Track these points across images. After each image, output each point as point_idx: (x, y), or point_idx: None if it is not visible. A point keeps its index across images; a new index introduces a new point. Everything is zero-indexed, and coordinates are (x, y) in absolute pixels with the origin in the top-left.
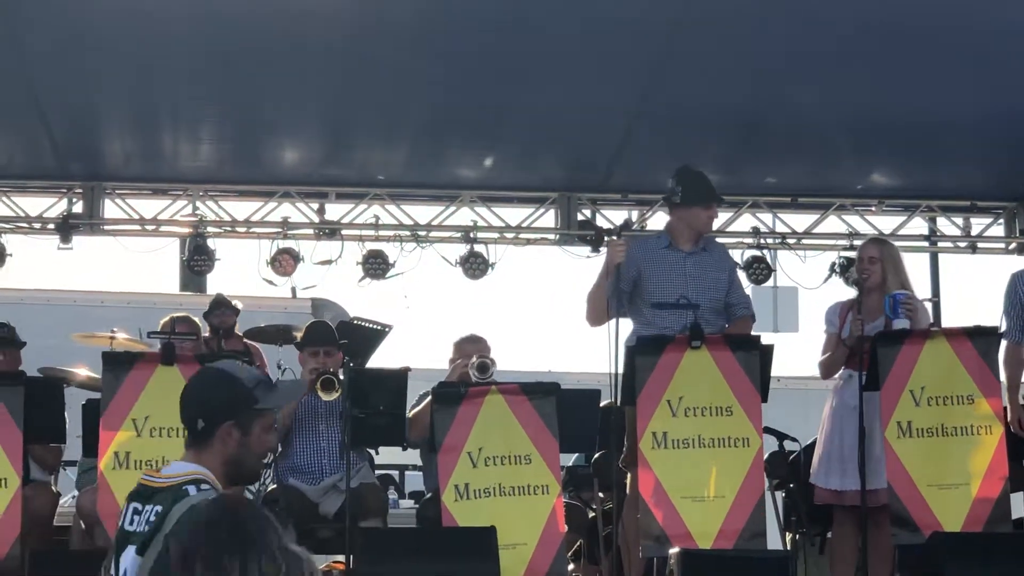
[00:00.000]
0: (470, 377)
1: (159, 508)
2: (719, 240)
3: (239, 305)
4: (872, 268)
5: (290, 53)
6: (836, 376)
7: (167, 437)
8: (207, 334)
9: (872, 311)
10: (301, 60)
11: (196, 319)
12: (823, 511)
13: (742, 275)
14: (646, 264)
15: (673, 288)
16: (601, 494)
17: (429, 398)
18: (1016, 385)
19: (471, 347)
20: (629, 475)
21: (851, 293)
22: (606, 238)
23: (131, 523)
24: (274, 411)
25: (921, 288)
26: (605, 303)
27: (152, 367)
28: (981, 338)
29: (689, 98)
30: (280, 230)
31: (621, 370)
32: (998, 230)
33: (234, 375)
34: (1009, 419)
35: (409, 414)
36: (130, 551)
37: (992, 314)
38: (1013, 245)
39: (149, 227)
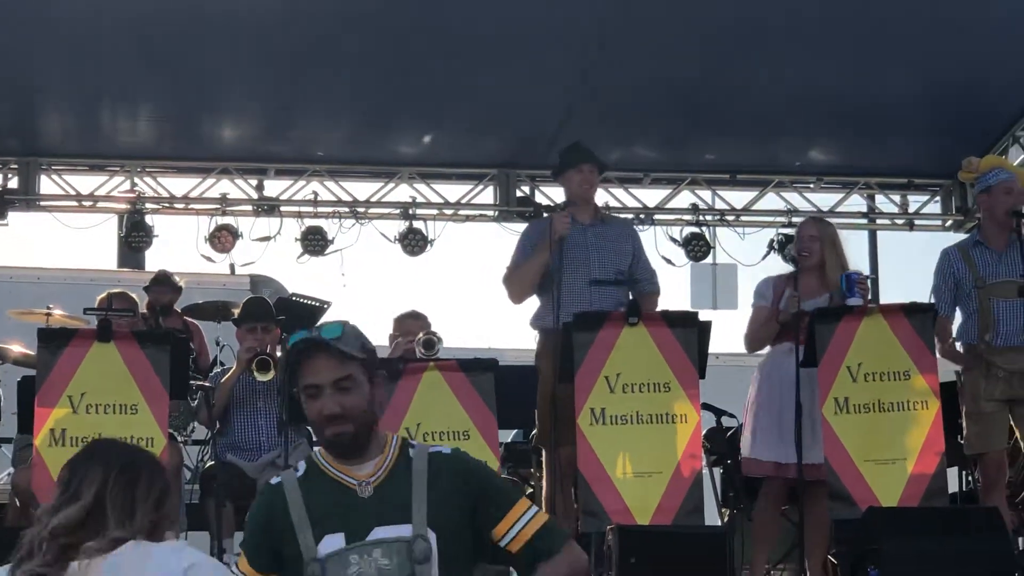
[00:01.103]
0: (414, 353)
1: None
2: (658, 217)
3: (182, 284)
4: (812, 247)
5: (230, 29)
6: (766, 350)
7: (103, 414)
8: (144, 311)
9: (809, 290)
10: (241, 37)
11: (134, 295)
12: (758, 486)
13: (679, 252)
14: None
15: (581, 259)
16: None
17: None
18: (944, 353)
19: (412, 323)
20: (550, 453)
21: (787, 269)
22: (545, 214)
23: None
24: None
25: (859, 266)
26: (535, 277)
27: (88, 344)
28: (917, 315)
29: (630, 76)
30: (219, 206)
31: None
32: (935, 207)
33: None
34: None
35: None
36: None
37: (928, 290)
38: (949, 222)
39: (86, 203)
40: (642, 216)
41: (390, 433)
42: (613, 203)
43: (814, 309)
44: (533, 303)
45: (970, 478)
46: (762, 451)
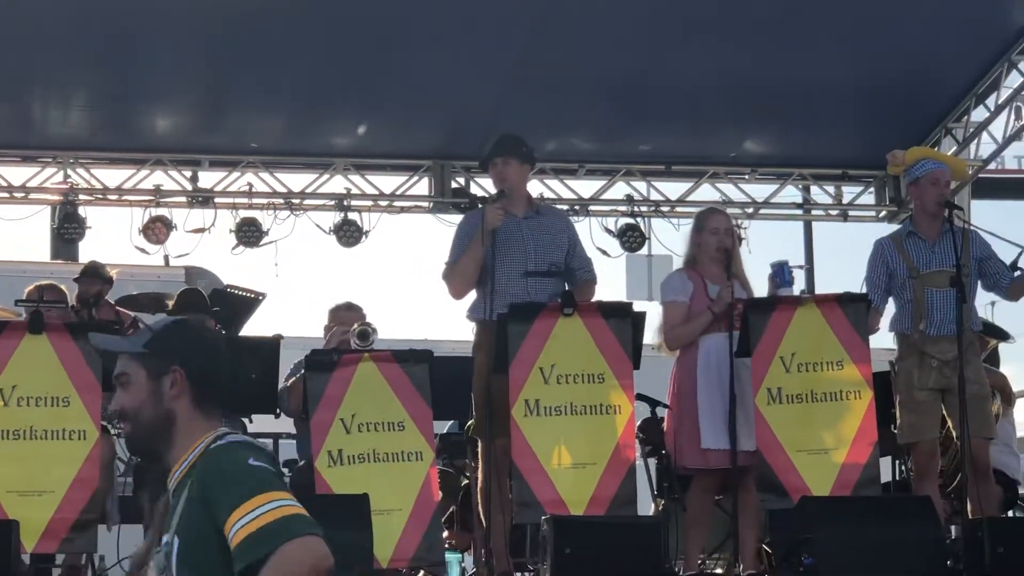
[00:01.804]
0: (349, 344)
1: None
2: (593, 208)
3: (113, 275)
4: (728, 239)
5: (163, 19)
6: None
7: (35, 407)
8: (74, 303)
9: (713, 279)
10: (174, 26)
11: (64, 287)
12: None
13: (614, 243)
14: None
15: (517, 252)
16: (475, 463)
17: None
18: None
19: (347, 314)
20: (485, 444)
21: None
22: (480, 204)
23: None
24: None
25: (795, 255)
26: (474, 270)
27: (19, 336)
28: (851, 305)
29: (565, 66)
30: (152, 198)
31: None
32: (869, 198)
33: None
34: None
35: (288, 383)
36: None
37: (862, 280)
38: (883, 213)
39: (18, 195)
40: (577, 207)
41: (211, 432)
42: (548, 194)
43: (748, 299)
44: (471, 295)
45: (903, 467)
46: (694, 441)
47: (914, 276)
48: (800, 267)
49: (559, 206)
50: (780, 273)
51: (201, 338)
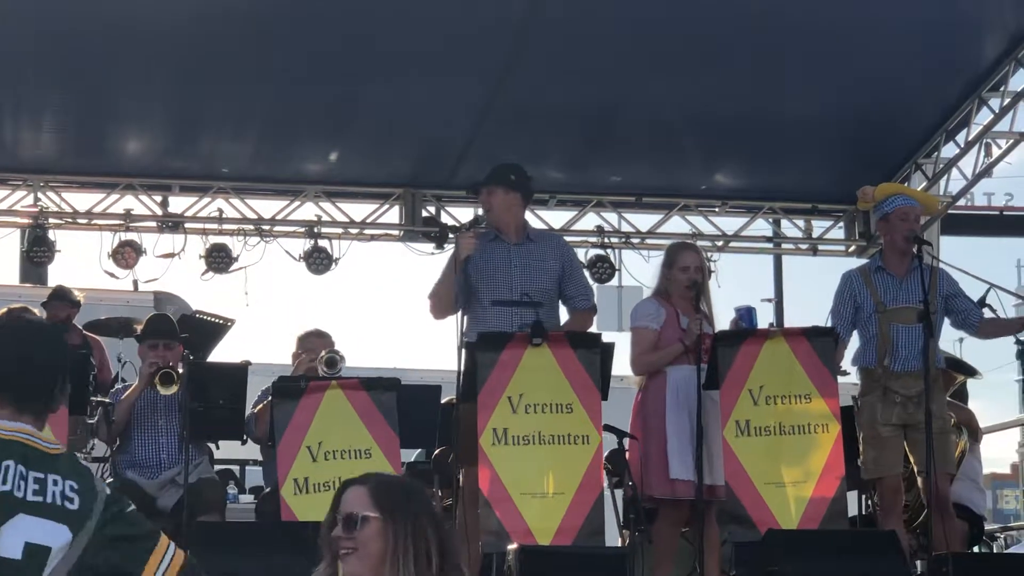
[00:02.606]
0: (317, 371)
1: (72, 483)
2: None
3: (80, 298)
4: (698, 275)
5: (135, 42)
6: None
7: None
8: None
9: (685, 312)
10: (146, 50)
11: (35, 310)
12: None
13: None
14: (476, 256)
15: (502, 279)
16: (440, 491)
17: None
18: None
19: (315, 341)
20: (462, 472)
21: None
22: (451, 235)
23: (20, 489)
24: None
25: (764, 288)
26: (451, 297)
27: None
28: (819, 338)
29: (536, 96)
30: (122, 222)
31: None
32: (838, 233)
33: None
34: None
35: (255, 410)
36: (36, 522)
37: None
38: (852, 247)
39: None
40: None
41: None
42: None
43: (717, 332)
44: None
45: (869, 502)
46: (662, 471)
47: (880, 311)
48: (769, 300)
49: None
50: (746, 318)
51: None
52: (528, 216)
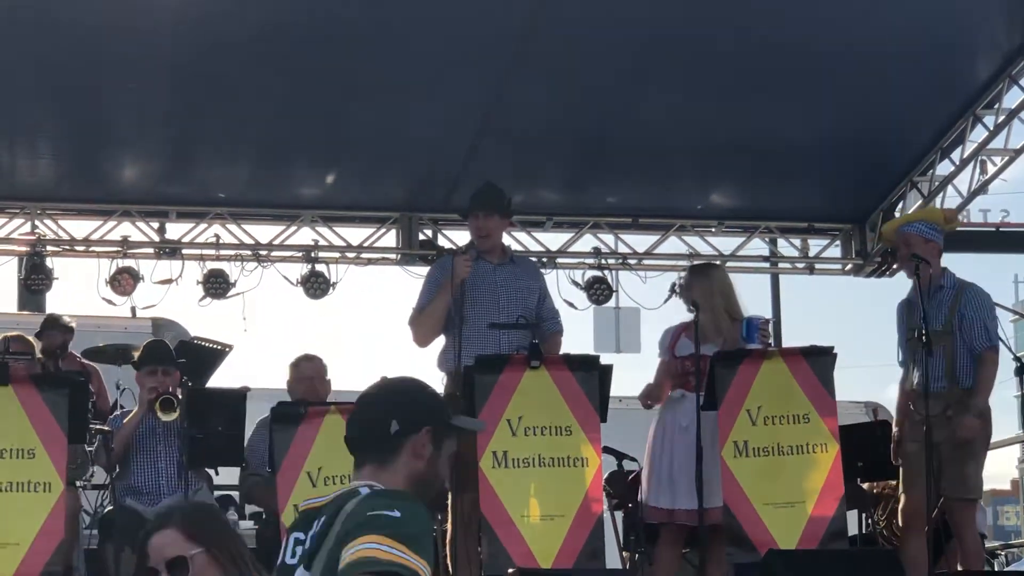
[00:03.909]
0: (317, 395)
1: (324, 517)
2: (560, 260)
3: (72, 324)
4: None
5: (131, 68)
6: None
7: (2, 459)
8: (40, 355)
9: (704, 336)
10: (142, 75)
11: (31, 338)
12: (658, 530)
13: (581, 295)
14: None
15: (492, 301)
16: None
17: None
18: (903, 409)
19: (305, 365)
20: (458, 498)
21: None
22: (448, 255)
23: (293, 555)
24: (465, 433)
25: (762, 308)
26: (441, 321)
27: None
28: (817, 358)
29: (532, 118)
30: (120, 249)
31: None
32: (835, 251)
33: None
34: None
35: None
36: None
37: (829, 333)
38: (849, 266)
39: None
40: (544, 259)
41: None
42: (516, 247)
43: (714, 352)
44: (439, 345)
45: (869, 520)
46: (658, 497)
47: (909, 337)
48: (767, 320)
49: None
50: (745, 329)
51: None
52: (525, 238)
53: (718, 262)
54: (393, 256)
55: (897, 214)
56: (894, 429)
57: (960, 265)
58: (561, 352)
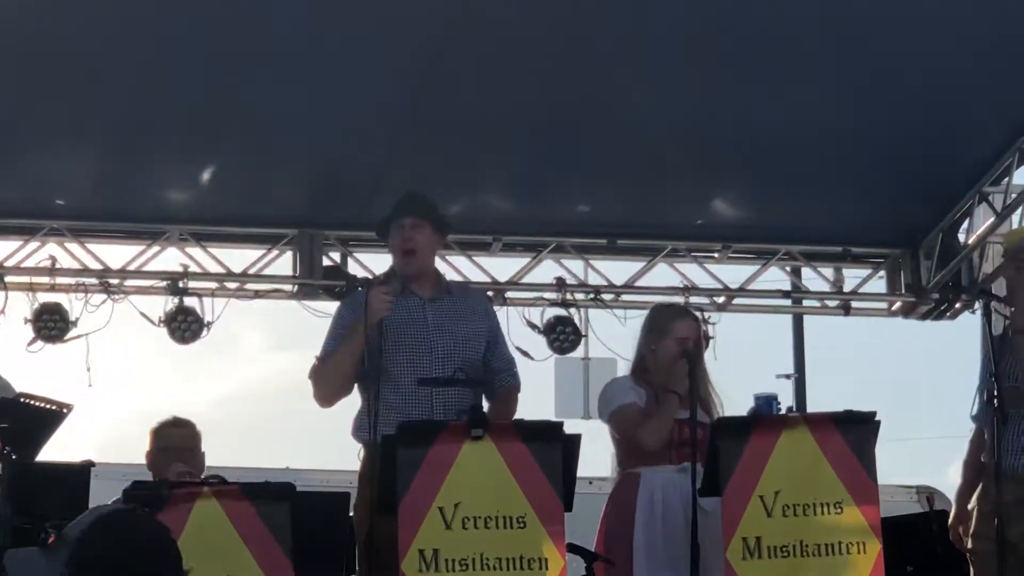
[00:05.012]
0: (185, 475)
1: None
2: (511, 295)
3: None
4: (695, 349)
5: None
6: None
7: None
8: None
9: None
10: None
11: None
12: None
13: (540, 341)
14: (387, 319)
15: (423, 349)
16: None
17: None
18: (970, 485)
19: (174, 434)
20: None
21: None
22: (360, 287)
23: None
24: None
25: (780, 359)
26: (350, 375)
27: None
28: (854, 427)
29: (474, 101)
30: None
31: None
32: (879, 285)
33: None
34: (949, 524)
35: None
36: None
37: (869, 394)
38: (897, 305)
39: None
40: (490, 293)
41: None
42: (451, 276)
43: (717, 419)
44: (353, 407)
45: None
46: None
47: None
48: (787, 376)
49: None
50: (766, 408)
51: None
52: (464, 265)
53: (720, 299)
54: (288, 287)
55: (961, 236)
56: (957, 515)
57: None
58: (515, 417)
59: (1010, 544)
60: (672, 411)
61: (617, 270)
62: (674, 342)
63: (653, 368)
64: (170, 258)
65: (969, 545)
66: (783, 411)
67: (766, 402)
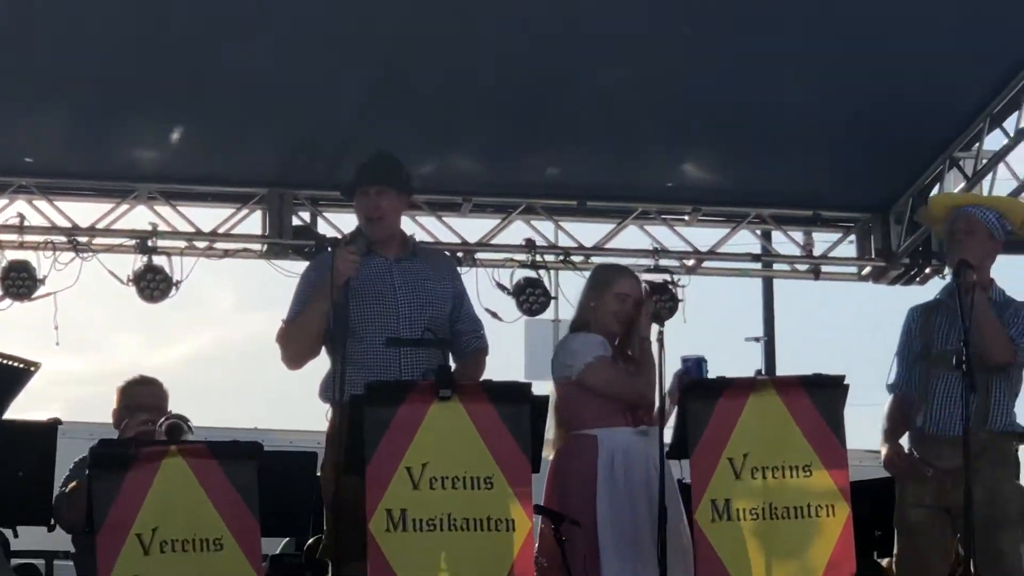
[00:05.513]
0: (152, 435)
1: None
2: (481, 256)
3: None
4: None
5: None
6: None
7: None
8: None
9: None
10: None
11: None
12: None
13: (509, 303)
14: (354, 280)
15: (390, 309)
16: None
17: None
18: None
19: (142, 391)
20: (334, 572)
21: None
22: (329, 247)
23: None
24: None
25: (750, 323)
26: (318, 336)
27: None
28: (823, 391)
29: (444, 63)
30: None
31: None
32: (848, 249)
33: None
34: (883, 460)
35: (67, 487)
36: None
37: (838, 357)
38: (867, 269)
39: None
40: (460, 254)
41: None
42: (422, 236)
43: (688, 382)
44: (321, 368)
45: None
46: (594, 570)
47: (925, 356)
48: (756, 339)
49: None
50: (695, 373)
51: None
52: (434, 225)
53: (690, 261)
54: (257, 246)
55: None
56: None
57: (1009, 269)
58: (483, 378)
59: (947, 511)
60: (654, 361)
61: (587, 232)
62: (614, 298)
63: (594, 325)
64: (139, 216)
65: (899, 516)
66: (710, 375)
67: (695, 364)
